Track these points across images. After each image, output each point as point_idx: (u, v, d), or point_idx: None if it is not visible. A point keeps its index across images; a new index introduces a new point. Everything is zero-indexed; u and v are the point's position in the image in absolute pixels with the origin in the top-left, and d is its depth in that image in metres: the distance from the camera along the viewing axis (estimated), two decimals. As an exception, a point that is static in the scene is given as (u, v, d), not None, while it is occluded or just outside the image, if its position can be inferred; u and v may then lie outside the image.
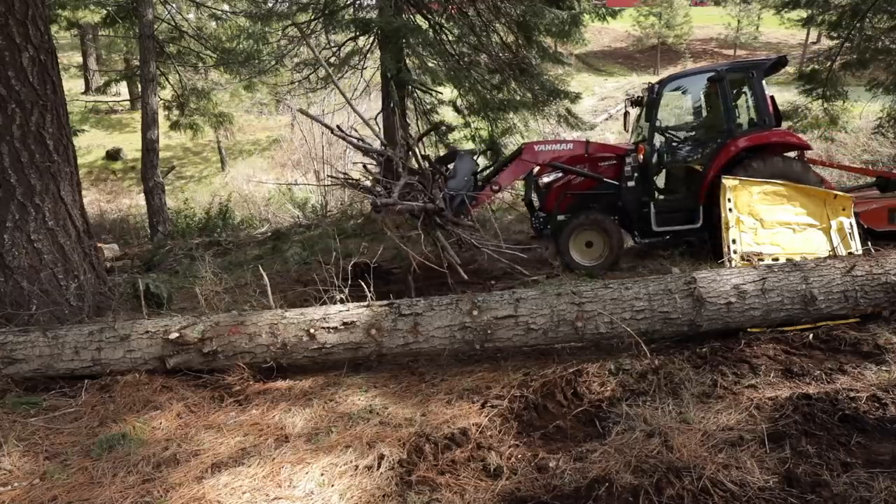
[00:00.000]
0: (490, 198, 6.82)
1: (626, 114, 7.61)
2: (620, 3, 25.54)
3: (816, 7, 11.88)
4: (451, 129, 11.98)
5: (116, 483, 2.73)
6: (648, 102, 6.97)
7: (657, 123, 6.88)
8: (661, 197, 6.91)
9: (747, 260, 4.97)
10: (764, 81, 6.69)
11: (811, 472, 2.36)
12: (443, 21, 10.84)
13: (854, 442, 2.58)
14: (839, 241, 5.11)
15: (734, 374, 3.37)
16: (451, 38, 10.93)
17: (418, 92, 11.54)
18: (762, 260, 4.97)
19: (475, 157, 7.29)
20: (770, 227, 5.28)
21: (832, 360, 3.51)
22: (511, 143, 12.37)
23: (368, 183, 6.22)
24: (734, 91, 6.79)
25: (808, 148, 6.68)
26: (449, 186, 6.34)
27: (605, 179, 6.86)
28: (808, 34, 29.71)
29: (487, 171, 7.21)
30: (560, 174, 7.20)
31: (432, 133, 11.69)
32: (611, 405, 3.16)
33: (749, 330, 3.89)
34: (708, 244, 6.79)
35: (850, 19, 11.09)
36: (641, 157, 6.78)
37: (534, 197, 7.37)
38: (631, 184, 6.74)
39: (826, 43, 15.85)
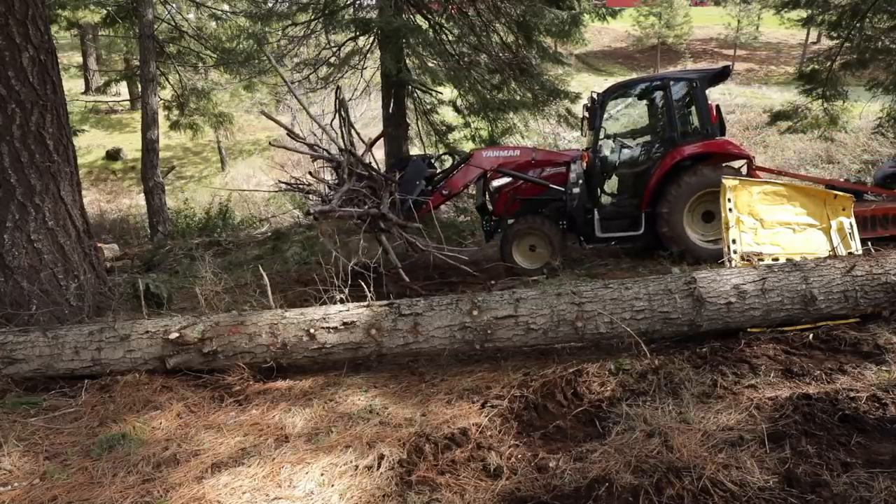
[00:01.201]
0: (440, 202, 7.07)
1: (584, 119, 7.72)
2: (620, 3, 25.54)
3: (816, 7, 11.88)
4: (450, 129, 12.00)
5: (116, 483, 2.73)
6: (592, 111, 7.14)
7: (601, 132, 7.06)
8: (605, 203, 7.09)
9: (747, 260, 4.97)
10: (707, 91, 6.83)
11: (811, 472, 2.36)
12: (443, 21, 10.84)
13: (854, 442, 2.57)
14: (839, 241, 5.10)
15: (734, 374, 3.37)
16: (451, 38, 10.93)
17: (418, 92, 11.54)
18: (762, 260, 4.97)
19: (433, 162, 7.51)
20: (770, 227, 5.27)
21: (832, 360, 3.50)
22: (511, 143, 12.41)
23: (321, 188, 6.38)
24: (677, 100, 6.95)
25: (749, 157, 6.77)
26: (401, 191, 6.57)
27: (551, 185, 6.99)
28: (808, 34, 29.73)
29: (438, 176, 7.37)
30: (510, 179, 7.36)
31: (434, 134, 11.71)
32: (611, 405, 3.16)
33: (749, 330, 3.89)
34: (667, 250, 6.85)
35: (850, 19, 11.09)
36: (585, 164, 6.95)
37: (487, 201, 7.57)
38: (576, 190, 6.86)
39: (826, 43, 15.87)
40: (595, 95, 7.15)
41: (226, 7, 15.57)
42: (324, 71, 11.91)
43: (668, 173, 6.64)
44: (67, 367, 3.92)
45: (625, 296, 3.85)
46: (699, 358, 3.64)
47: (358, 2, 11.68)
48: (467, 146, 11.89)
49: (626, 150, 7.33)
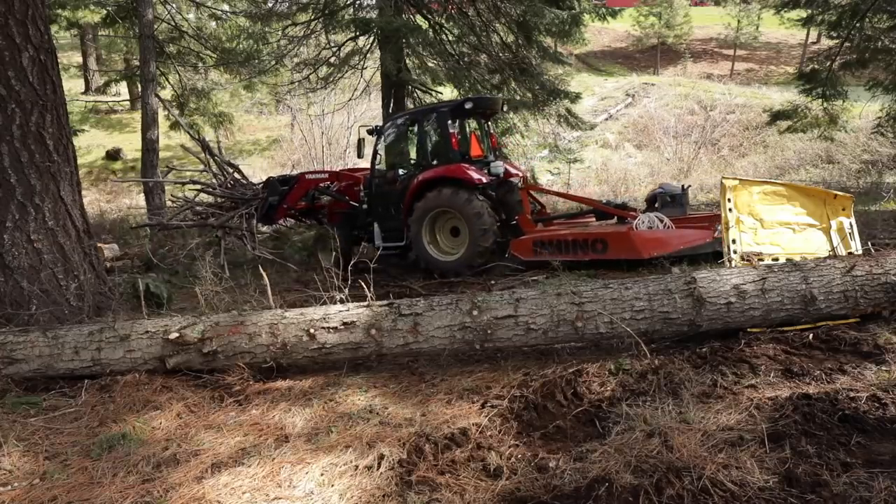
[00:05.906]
0: (283, 214, 8.91)
1: (362, 140, 8.49)
2: (620, 3, 25.55)
3: (816, 7, 11.90)
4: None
5: (116, 483, 2.73)
6: (373, 140, 8.22)
7: (377, 158, 8.12)
8: (382, 219, 8.06)
9: (747, 260, 4.96)
10: (450, 121, 7.59)
11: (811, 472, 2.36)
12: (443, 21, 10.85)
13: (854, 442, 2.57)
14: (839, 241, 5.10)
15: (734, 374, 3.37)
16: (451, 38, 10.94)
17: (418, 92, 11.54)
18: (762, 260, 4.96)
19: (288, 181, 8.95)
20: (770, 227, 5.26)
21: (832, 360, 3.50)
22: (511, 143, 12.44)
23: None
24: (427, 130, 7.99)
25: (472, 183, 7.25)
26: (260, 206, 8.39)
27: (350, 202, 8.30)
28: (807, 34, 29.75)
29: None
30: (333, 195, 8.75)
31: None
32: (611, 405, 3.16)
33: (749, 330, 3.88)
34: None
35: (850, 19, 11.10)
36: (362, 186, 8.20)
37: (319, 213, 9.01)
38: (365, 206, 8.17)
39: (826, 43, 15.88)
40: (369, 128, 8.39)
41: (226, 7, 15.55)
42: (324, 71, 11.92)
43: (415, 195, 7.51)
44: (67, 367, 3.92)
45: (625, 296, 3.85)
46: (699, 358, 3.64)
47: (358, 2, 11.68)
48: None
49: (390, 174, 8.18)
